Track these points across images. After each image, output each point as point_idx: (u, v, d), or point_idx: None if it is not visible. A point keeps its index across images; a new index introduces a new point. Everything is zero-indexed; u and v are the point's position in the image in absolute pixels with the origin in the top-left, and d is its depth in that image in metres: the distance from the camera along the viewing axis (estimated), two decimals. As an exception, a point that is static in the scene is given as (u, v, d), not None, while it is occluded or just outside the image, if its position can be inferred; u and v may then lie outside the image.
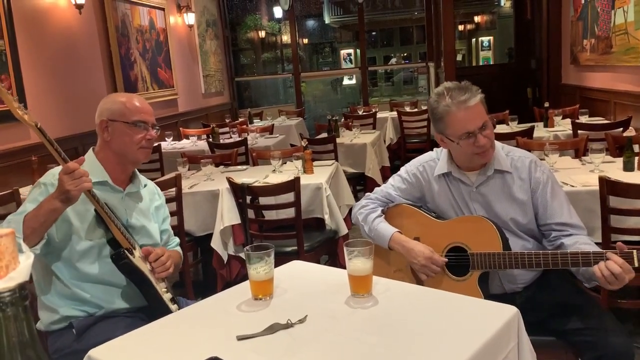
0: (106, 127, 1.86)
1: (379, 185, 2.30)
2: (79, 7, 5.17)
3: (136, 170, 2.00)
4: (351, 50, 16.99)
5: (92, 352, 1.31)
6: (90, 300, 1.80)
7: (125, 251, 1.75)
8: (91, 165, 1.82)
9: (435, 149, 2.05)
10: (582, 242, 1.75)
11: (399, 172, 2.08)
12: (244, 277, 1.62)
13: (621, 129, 4.03)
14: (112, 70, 5.78)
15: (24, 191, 3.30)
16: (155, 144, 5.15)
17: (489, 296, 1.77)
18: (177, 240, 2.17)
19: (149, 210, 2.00)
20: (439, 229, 1.91)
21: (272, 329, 1.35)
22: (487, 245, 1.78)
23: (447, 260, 1.85)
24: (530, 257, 1.70)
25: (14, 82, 4.28)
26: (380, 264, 2.00)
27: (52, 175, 1.77)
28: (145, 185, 2.03)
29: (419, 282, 1.93)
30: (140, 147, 1.87)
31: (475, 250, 1.80)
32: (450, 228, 1.89)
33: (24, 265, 0.64)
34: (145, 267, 1.80)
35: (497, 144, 1.90)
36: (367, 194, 2.15)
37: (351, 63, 16.49)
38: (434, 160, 2.00)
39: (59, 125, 4.81)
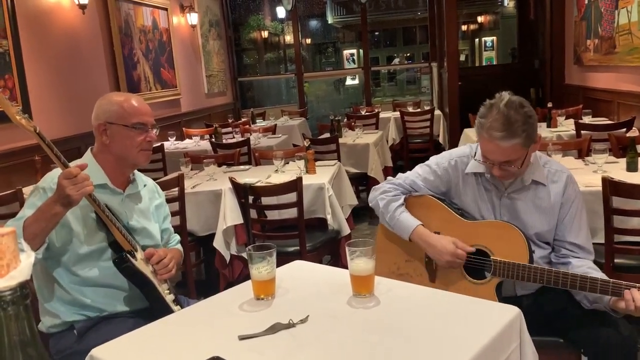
0: (104, 130, 1.83)
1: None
2: (82, 7, 5.18)
3: (136, 170, 1.97)
4: (354, 51, 17.00)
5: (94, 352, 1.31)
6: (92, 304, 1.79)
7: (127, 255, 1.74)
8: (90, 167, 1.77)
9: (470, 144, 1.98)
10: (589, 267, 1.74)
11: (427, 163, 2.01)
12: (246, 277, 1.62)
13: (624, 129, 4.02)
14: (115, 70, 5.79)
15: (27, 191, 3.31)
16: (158, 144, 5.20)
17: (499, 299, 1.75)
18: (177, 237, 2.16)
19: (149, 210, 1.98)
20: (463, 228, 1.86)
21: (274, 328, 1.35)
22: (512, 254, 1.73)
23: (473, 249, 1.80)
24: (557, 276, 1.65)
25: (17, 82, 4.29)
26: (393, 252, 1.99)
27: (51, 179, 1.74)
28: (145, 185, 2.01)
29: (432, 276, 1.91)
30: (140, 150, 1.85)
31: (498, 257, 1.76)
32: (475, 229, 1.84)
33: (25, 264, 0.64)
34: (147, 269, 1.79)
35: (537, 153, 1.84)
36: (389, 177, 2.08)
37: (354, 63, 16.49)
38: (468, 157, 1.92)
39: (62, 125, 4.83)
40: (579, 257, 1.78)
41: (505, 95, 1.73)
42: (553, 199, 1.81)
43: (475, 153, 1.89)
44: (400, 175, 2.06)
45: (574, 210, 1.81)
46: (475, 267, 1.81)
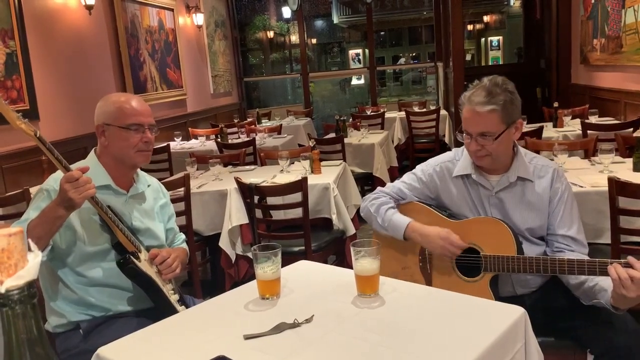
0: (103, 132, 1.84)
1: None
2: (89, 7, 5.21)
3: (139, 170, 1.98)
4: (360, 50, 16.95)
5: (101, 351, 1.32)
6: (97, 304, 1.80)
7: (131, 256, 1.74)
8: (94, 168, 1.80)
9: (454, 149, 2.02)
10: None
11: (414, 171, 2.05)
12: (252, 276, 1.62)
13: (631, 129, 3.99)
14: (122, 71, 5.82)
15: (34, 191, 3.33)
16: (164, 144, 5.22)
17: (498, 298, 1.76)
18: (182, 237, 2.16)
19: (153, 210, 1.99)
20: (452, 228, 1.87)
21: (279, 328, 1.35)
22: (501, 248, 1.76)
23: (465, 244, 1.81)
24: (546, 263, 1.67)
25: (24, 83, 4.32)
26: (388, 261, 1.99)
27: (54, 181, 1.74)
28: (149, 185, 2.01)
29: (428, 280, 1.92)
30: (137, 151, 1.84)
31: (488, 252, 1.78)
32: (463, 228, 1.85)
33: (32, 264, 0.64)
34: (151, 270, 1.80)
35: (521, 150, 1.89)
36: (379, 187, 2.11)
37: (359, 63, 16.45)
38: (452, 161, 1.95)
39: (69, 125, 4.86)
40: (572, 251, 1.79)
41: (495, 75, 1.83)
42: (541, 194, 1.83)
43: (462, 155, 1.93)
44: (388, 184, 2.11)
45: (563, 204, 1.83)
46: (468, 265, 1.83)
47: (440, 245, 1.82)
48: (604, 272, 1.55)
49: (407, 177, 2.06)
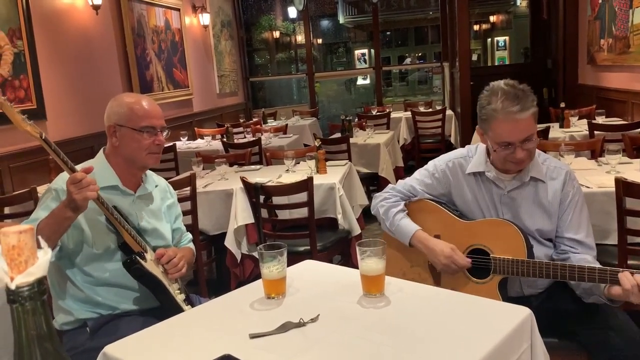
0: (114, 132, 1.84)
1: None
2: (96, 7, 5.23)
3: (148, 170, 1.98)
4: (365, 50, 16.96)
5: (107, 349, 1.33)
6: (104, 302, 1.81)
7: (137, 256, 1.74)
8: (102, 168, 1.81)
9: (467, 146, 2.00)
10: (587, 261, 1.73)
11: (426, 166, 2.03)
12: (257, 276, 1.62)
13: (639, 129, 3.97)
14: (128, 71, 5.84)
15: (41, 190, 3.35)
16: (170, 144, 5.24)
17: (506, 299, 1.75)
18: (189, 236, 2.17)
19: (160, 211, 1.99)
20: (462, 228, 1.87)
21: (285, 327, 1.35)
22: (511, 251, 1.74)
23: (469, 264, 1.81)
24: (556, 268, 1.66)
25: (32, 82, 4.35)
26: (397, 259, 1.99)
27: (62, 180, 1.74)
28: (156, 186, 2.01)
29: (436, 279, 1.92)
30: (149, 153, 1.84)
31: (497, 255, 1.77)
32: (474, 229, 1.85)
33: (42, 261, 0.65)
34: (157, 270, 1.80)
35: (535, 150, 1.85)
36: (390, 184, 2.10)
37: (365, 63, 16.45)
38: (465, 158, 1.93)
39: (76, 124, 4.88)
40: (577, 252, 1.78)
41: (498, 81, 1.78)
42: (552, 196, 1.82)
43: (476, 152, 1.91)
44: (400, 181, 2.09)
45: (572, 206, 1.81)
46: (478, 267, 1.82)
47: (444, 264, 1.82)
48: (615, 281, 1.55)
49: (418, 173, 2.04)
